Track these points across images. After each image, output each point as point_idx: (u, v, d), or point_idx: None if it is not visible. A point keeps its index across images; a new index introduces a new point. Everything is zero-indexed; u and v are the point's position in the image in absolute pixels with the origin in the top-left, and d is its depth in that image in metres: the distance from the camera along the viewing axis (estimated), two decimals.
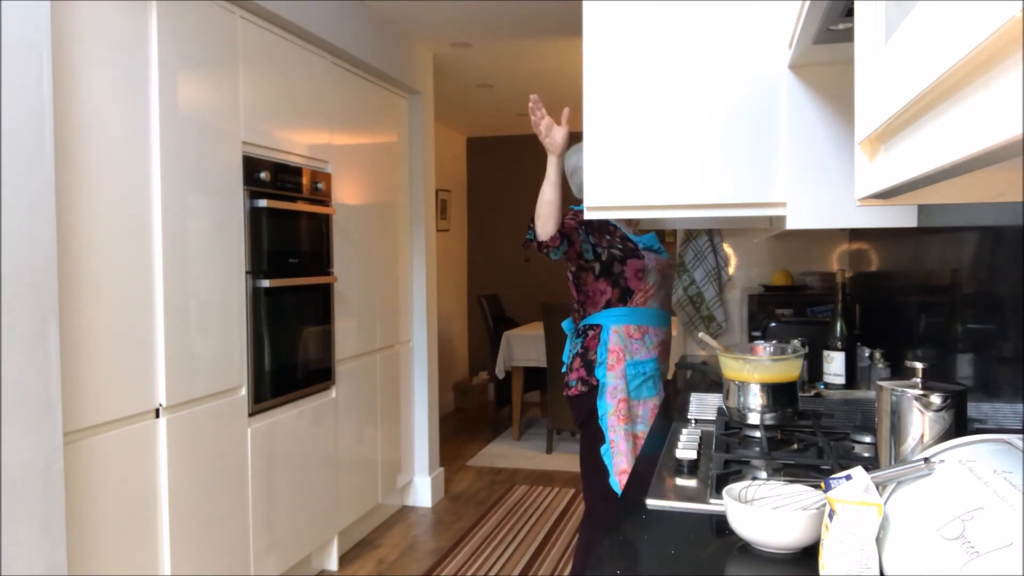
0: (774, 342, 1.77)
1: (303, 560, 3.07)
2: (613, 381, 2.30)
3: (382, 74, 3.66)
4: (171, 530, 2.24)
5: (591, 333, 2.37)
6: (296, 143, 2.94)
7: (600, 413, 2.32)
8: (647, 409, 2.35)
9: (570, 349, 2.43)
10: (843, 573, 0.84)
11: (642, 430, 2.34)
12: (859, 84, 0.87)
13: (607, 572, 0.98)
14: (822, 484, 0.91)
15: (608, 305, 2.34)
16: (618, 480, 2.29)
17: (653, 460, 1.50)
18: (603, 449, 2.31)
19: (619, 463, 2.29)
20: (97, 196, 1.98)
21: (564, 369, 2.44)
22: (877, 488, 0.85)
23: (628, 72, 1.69)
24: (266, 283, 2.69)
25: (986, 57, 0.48)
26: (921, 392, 1.13)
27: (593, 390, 2.33)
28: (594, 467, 2.33)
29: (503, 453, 5.21)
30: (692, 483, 1.34)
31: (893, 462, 1.16)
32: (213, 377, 2.44)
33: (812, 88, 1.88)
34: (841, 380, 2.13)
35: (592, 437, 2.33)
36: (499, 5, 3.52)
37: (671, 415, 1.97)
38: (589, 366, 2.34)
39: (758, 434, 1.56)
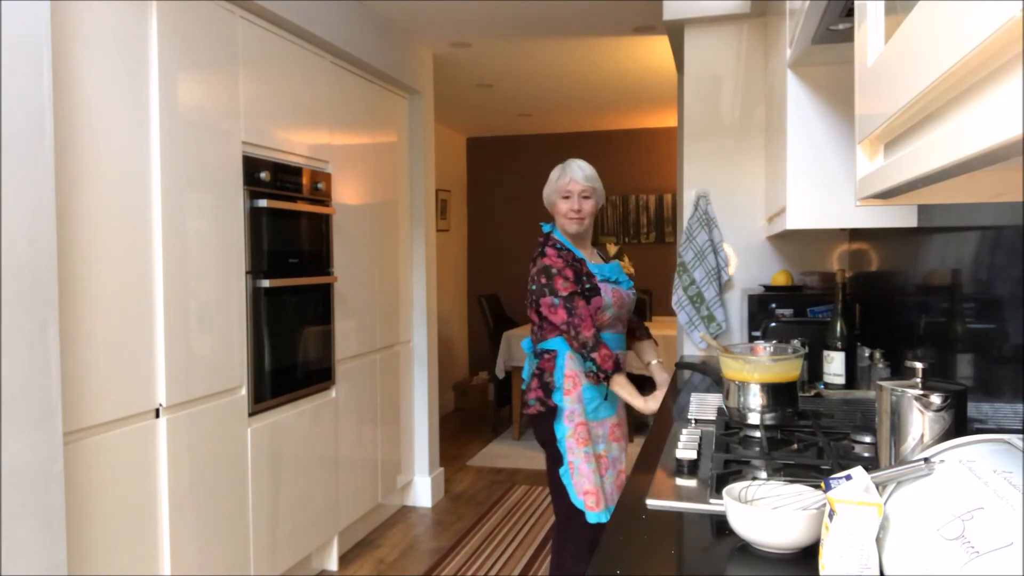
0: (774, 342, 1.77)
1: (303, 560, 3.07)
2: (570, 405, 2.33)
3: (382, 74, 3.66)
4: (171, 530, 2.24)
5: (547, 356, 2.39)
6: (296, 143, 2.94)
7: (558, 436, 2.35)
8: (606, 428, 2.39)
9: (529, 368, 2.46)
10: (843, 573, 0.84)
11: (603, 449, 2.38)
12: (859, 84, 0.87)
13: (607, 572, 0.98)
14: (822, 484, 0.91)
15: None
16: (583, 500, 2.31)
17: (653, 460, 1.50)
18: (561, 471, 2.34)
19: (581, 483, 2.31)
20: (97, 196, 1.98)
21: (524, 387, 2.47)
22: (877, 488, 0.85)
23: None
24: (266, 283, 2.69)
25: (986, 57, 0.48)
26: (921, 392, 1.13)
27: (551, 411, 2.36)
28: (559, 486, 2.36)
29: (503, 453, 5.21)
30: (692, 483, 1.34)
31: (893, 462, 1.16)
32: (213, 377, 2.44)
33: (812, 88, 1.88)
34: (841, 380, 2.13)
35: (553, 458, 2.37)
36: (499, 5, 3.52)
37: (671, 415, 1.97)
38: (546, 388, 2.37)
39: (758, 434, 1.56)
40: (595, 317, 2.32)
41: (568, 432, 2.33)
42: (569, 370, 2.34)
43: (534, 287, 2.36)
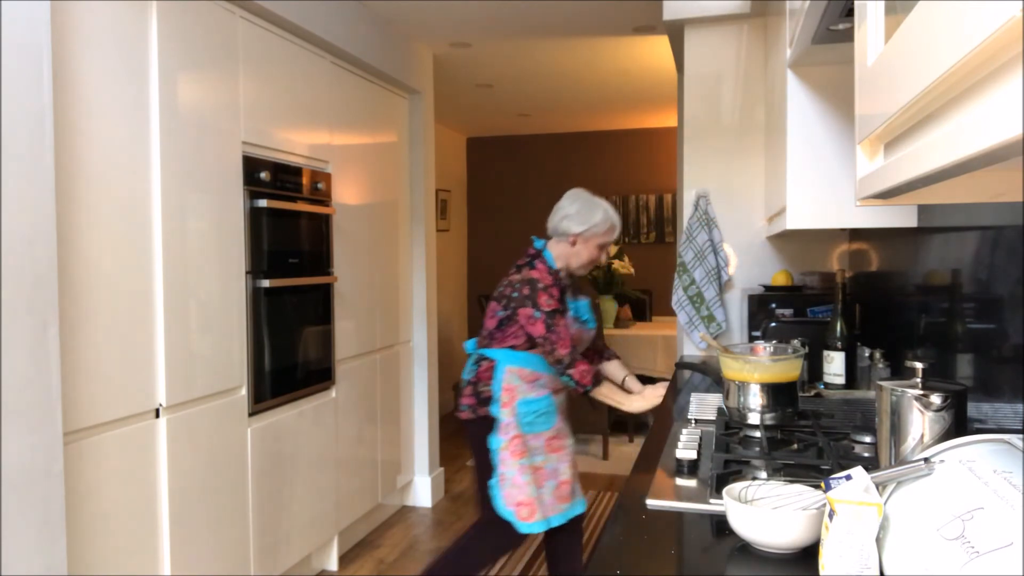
0: (774, 342, 1.77)
1: (303, 560, 3.07)
2: (506, 418, 2.33)
3: (382, 74, 3.66)
4: (171, 530, 2.24)
5: (484, 364, 2.39)
6: (296, 143, 2.94)
7: (492, 448, 2.35)
8: (542, 441, 2.38)
9: (467, 372, 2.45)
10: (843, 573, 0.84)
11: (541, 460, 2.37)
12: (859, 84, 0.87)
13: (607, 572, 0.98)
14: (822, 484, 0.91)
15: (512, 347, 2.36)
16: (513, 511, 2.31)
17: (653, 460, 1.50)
18: (491, 482, 2.35)
19: (513, 495, 2.31)
20: (97, 196, 1.98)
21: (461, 387, 2.47)
22: (877, 488, 0.85)
23: None
24: (266, 283, 2.69)
25: (986, 57, 0.48)
26: (921, 392, 1.13)
27: (482, 420, 2.36)
28: (487, 494, 2.37)
29: None
30: (692, 483, 1.34)
31: (893, 462, 1.16)
32: (213, 377, 2.44)
33: (812, 88, 1.88)
34: (841, 380, 2.13)
35: (483, 468, 2.37)
36: (499, 5, 3.52)
37: (671, 415, 1.97)
38: (479, 396, 2.37)
39: (758, 434, 1.56)
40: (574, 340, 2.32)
41: (502, 444, 2.32)
42: (507, 383, 2.33)
43: (515, 295, 2.32)
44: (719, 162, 3.02)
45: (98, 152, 1.98)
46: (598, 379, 2.30)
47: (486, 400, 2.36)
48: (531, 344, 2.34)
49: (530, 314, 2.29)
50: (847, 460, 1.38)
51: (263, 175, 2.69)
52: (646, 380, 2.83)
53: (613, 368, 2.61)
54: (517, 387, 2.33)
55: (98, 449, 1.98)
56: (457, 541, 2.42)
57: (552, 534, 2.50)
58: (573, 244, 2.37)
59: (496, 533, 2.35)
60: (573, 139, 7.04)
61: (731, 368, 1.65)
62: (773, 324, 2.37)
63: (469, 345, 2.47)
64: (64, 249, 1.86)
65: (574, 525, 2.50)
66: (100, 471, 1.99)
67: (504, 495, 2.32)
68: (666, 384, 2.46)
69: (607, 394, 2.31)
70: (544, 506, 2.33)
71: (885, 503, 0.85)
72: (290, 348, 2.88)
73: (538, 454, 2.36)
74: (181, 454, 2.28)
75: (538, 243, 2.45)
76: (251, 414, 2.65)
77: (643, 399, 2.34)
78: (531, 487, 2.31)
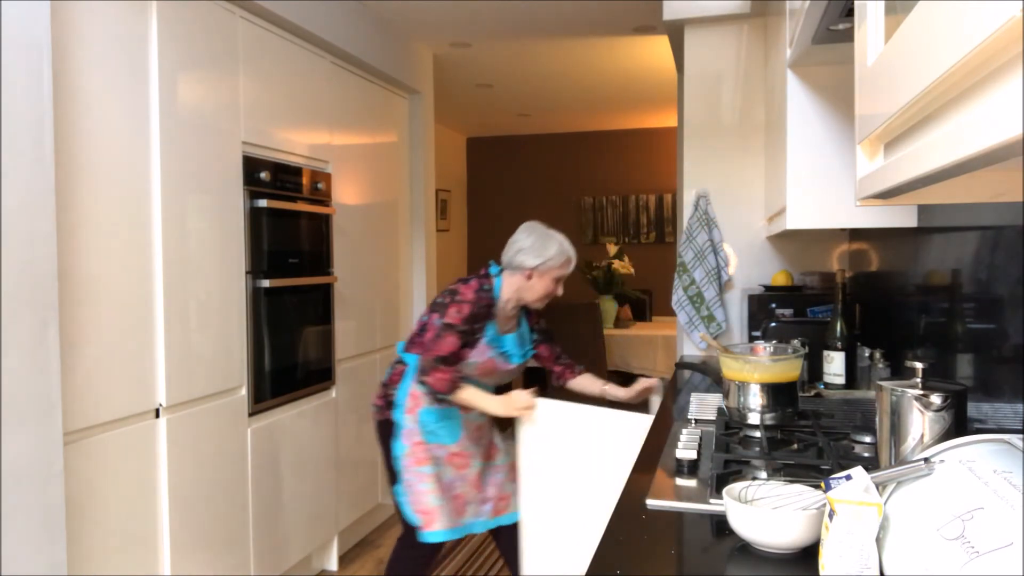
0: (774, 342, 1.77)
1: (303, 560, 3.07)
2: (409, 424, 2.31)
3: (382, 74, 3.66)
4: (171, 530, 2.24)
5: (399, 367, 2.37)
6: (296, 143, 2.94)
7: (395, 454, 2.34)
8: (444, 453, 2.34)
9: (386, 373, 2.43)
10: (843, 573, 0.84)
11: (440, 470, 2.33)
12: (859, 84, 0.87)
13: (607, 572, 0.98)
14: (822, 484, 0.91)
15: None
16: (420, 518, 2.29)
17: (653, 460, 1.50)
18: (396, 487, 2.34)
19: (417, 501, 2.30)
20: (97, 196, 1.98)
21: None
22: (877, 488, 0.85)
23: None
24: (266, 283, 2.69)
25: (986, 57, 0.48)
26: (921, 392, 1.13)
27: (388, 423, 2.35)
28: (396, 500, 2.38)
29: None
30: (692, 483, 1.34)
31: (893, 462, 1.16)
32: (213, 377, 2.44)
33: (812, 88, 1.88)
34: (841, 380, 2.13)
35: (390, 473, 2.37)
36: (499, 5, 3.52)
37: (671, 415, 1.97)
38: (387, 399, 2.37)
39: (758, 434, 1.56)
40: (454, 356, 2.24)
41: (405, 451, 2.31)
42: (413, 389, 2.31)
43: (438, 300, 2.32)
44: (719, 162, 3.02)
45: (98, 152, 1.98)
46: (455, 385, 2.23)
47: (391, 404, 2.35)
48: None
49: (432, 321, 2.28)
50: (847, 460, 1.38)
51: (263, 175, 2.69)
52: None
53: (587, 381, 2.53)
54: (422, 394, 2.30)
55: (98, 449, 1.98)
56: (388, 562, 2.43)
57: (497, 535, 2.49)
58: (529, 278, 2.32)
59: (411, 544, 2.34)
60: (573, 139, 7.04)
61: (731, 368, 1.65)
62: (773, 324, 2.37)
63: (399, 346, 2.43)
64: (64, 249, 1.86)
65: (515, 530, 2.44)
66: (100, 471, 1.99)
67: (409, 501, 2.31)
68: (598, 379, 2.46)
69: (467, 398, 2.24)
70: (448, 516, 2.31)
71: (885, 503, 0.85)
72: (290, 348, 2.88)
73: (441, 464, 2.33)
74: (181, 454, 2.28)
75: (493, 269, 2.39)
76: (251, 414, 2.65)
77: (500, 402, 2.22)
78: (432, 496, 2.29)
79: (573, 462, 2.12)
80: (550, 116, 6.31)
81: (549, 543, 2.11)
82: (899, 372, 1.99)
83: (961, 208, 1.53)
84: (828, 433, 1.56)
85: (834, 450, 1.44)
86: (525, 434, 2.20)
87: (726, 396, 1.69)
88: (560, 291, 2.40)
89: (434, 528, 2.29)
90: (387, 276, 3.80)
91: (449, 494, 2.34)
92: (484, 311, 2.29)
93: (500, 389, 2.41)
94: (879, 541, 0.83)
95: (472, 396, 2.25)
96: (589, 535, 2.04)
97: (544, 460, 2.18)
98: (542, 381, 5.63)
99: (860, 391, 2.10)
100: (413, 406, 2.31)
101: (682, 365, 2.79)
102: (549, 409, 2.20)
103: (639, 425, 2.01)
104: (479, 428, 2.44)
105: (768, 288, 2.73)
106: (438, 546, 2.37)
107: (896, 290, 2.07)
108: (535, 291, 2.34)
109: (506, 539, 2.47)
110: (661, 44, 4.16)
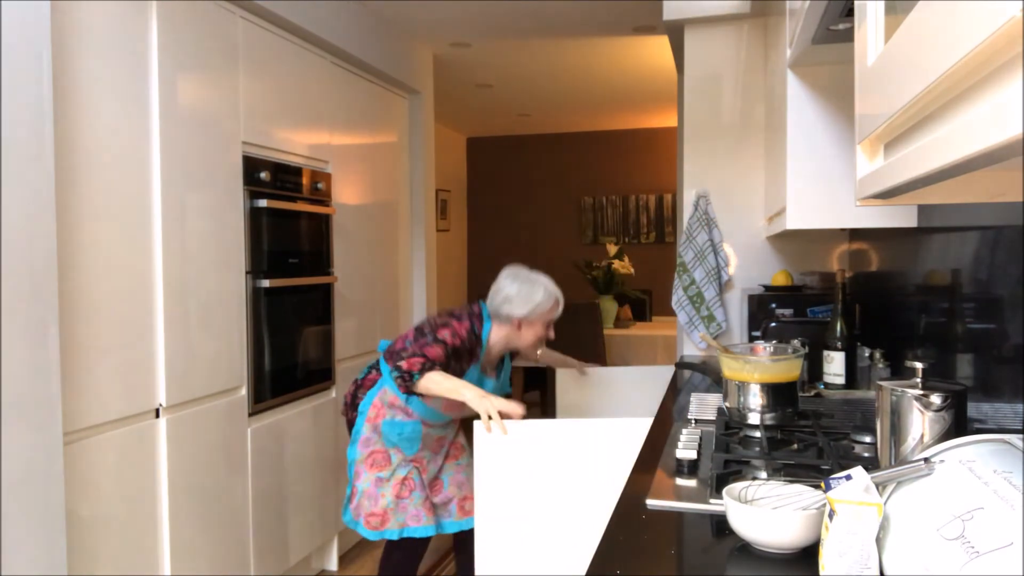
0: (774, 342, 1.77)
1: (303, 560, 3.07)
2: (367, 433, 2.31)
3: (382, 74, 3.66)
4: (171, 530, 2.24)
5: (373, 375, 2.35)
6: (296, 143, 2.94)
7: (349, 459, 2.35)
8: (402, 456, 2.32)
9: (362, 371, 2.42)
10: (843, 573, 0.84)
11: (406, 472, 2.30)
12: (859, 84, 0.87)
13: (607, 572, 0.98)
14: (822, 484, 0.91)
15: None
16: (365, 523, 2.29)
17: (653, 460, 1.50)
18: (348, 493, 2.35)
19: (364, 505, 2.29)
20: (97, 196, 1.98)
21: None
22: (877, 488, 0.85)
23: None
24: (266, 283, 2.69)
25: (986, 57, 0.48)
26: (921, 392, 1.13)
27: (350, 424, 2.36)
28: None
29: None
30: (692, 483, 1.34)
31: (893, 462, 1.16)
32: (213, 377, 2.44)
33: (812, 88, 1.88)
34: (841, 380, 2.13)
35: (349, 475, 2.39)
36: (499, 5, 3.52)
37: (671, 415, 1.97)
38: (354, 400, 2.36)
39: (758, 434, 1.56)
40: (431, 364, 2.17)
41: (360, 457, 2.31)
42: (379, 399, 2.30)
43: (431, 319, 2.30)
44: (719, 162, 3.02)
45: (98, 152, 1.98)
46: (427, 367, 2.13)
47: (356, 407, 2.34)
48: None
49: (424, 330, 2.25)
50: (847, 460, 1.38)
51: (263, 175, 2.69)
52: None
53: (552, 358, 2.68)
54: (387, 406, 2.29)
55: (98, 449, 1.98)
56: (380, 564, 2.43)
57: (456, 540, 2.50)
58: (519, 328, 2.29)
59: (398, 544, 2.34)
60: (573, 139, 7.04)
61: (731, 368, 1.65)
62: (773, 324, 2.37)
63: (381, 344, 2.38)
64: (64, 249, 1.86)
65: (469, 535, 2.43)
66: (100, 471, 1.99)
67: (352, 507, 2.32)
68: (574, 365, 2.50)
69: (439, 380, 2.11)
70: (405, 514, 2.29)
71: (885, 503, 0.85)
72: (290, 348, 2.88)
73: (403, 467, 2.31)
74: (181, 454, 2.28)
75: (484, 308, 2.34)
76: (251, 414, 2.65)
77: (478, 395, 2.04)
78: (387, 498, 2.28)
79: (536, 481, 1.95)
80: (550, 116, 6.31)
81: (503, 559, 1.98)
82: (899, 372, 1.99)
83: (961, 208, 1.53)
84: (828, 433, 1.56)
85: (834, 450, 1.43)
86: (482, 447, 1.96)
87: (726, 396, 1.69)
88: (552, 335, 2.37)
89: (382, 528, 2.28)
90: (387, 276, 3.80)
91: (423, 494, 2.33)
92: (469, 353, 2.28)
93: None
94: (879, 541, 0.83)
95: (444, 378, 2.11)
96: (551, 553, 1.93)
97: (501, 477, 1.99)
98: (542, 381, 5.63)
99: (860, 391, 2.10)
100: (375, 416, 2.31)
101: (682, 365, 2.79)
102: (520, 431, 1.96)
103: (629, 430, 1.94)
104: (439, 440, 2.42)
105: (768, 288, 2.73)
106: (424, 542, 2.37)
107: (896, 290, 2.07)
108: (525, 339, 2.32)
109: (463, 545, 2.47)
110: (661, 44, 4.16)
